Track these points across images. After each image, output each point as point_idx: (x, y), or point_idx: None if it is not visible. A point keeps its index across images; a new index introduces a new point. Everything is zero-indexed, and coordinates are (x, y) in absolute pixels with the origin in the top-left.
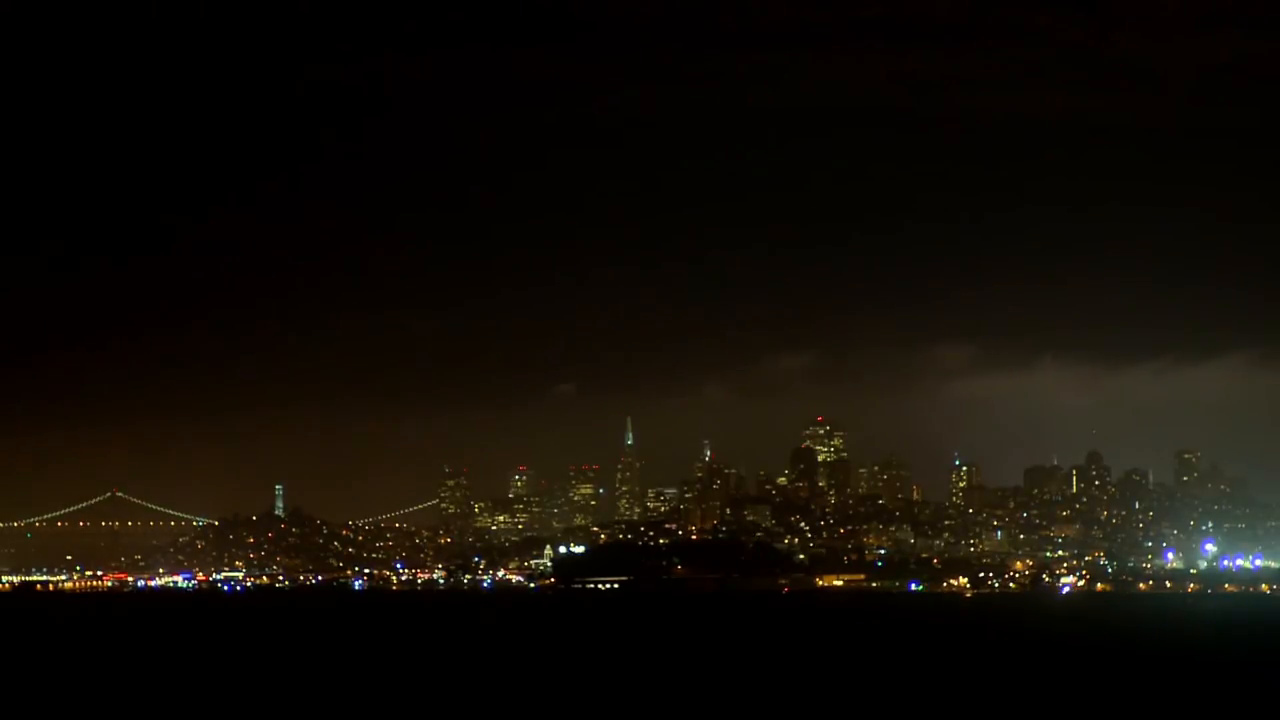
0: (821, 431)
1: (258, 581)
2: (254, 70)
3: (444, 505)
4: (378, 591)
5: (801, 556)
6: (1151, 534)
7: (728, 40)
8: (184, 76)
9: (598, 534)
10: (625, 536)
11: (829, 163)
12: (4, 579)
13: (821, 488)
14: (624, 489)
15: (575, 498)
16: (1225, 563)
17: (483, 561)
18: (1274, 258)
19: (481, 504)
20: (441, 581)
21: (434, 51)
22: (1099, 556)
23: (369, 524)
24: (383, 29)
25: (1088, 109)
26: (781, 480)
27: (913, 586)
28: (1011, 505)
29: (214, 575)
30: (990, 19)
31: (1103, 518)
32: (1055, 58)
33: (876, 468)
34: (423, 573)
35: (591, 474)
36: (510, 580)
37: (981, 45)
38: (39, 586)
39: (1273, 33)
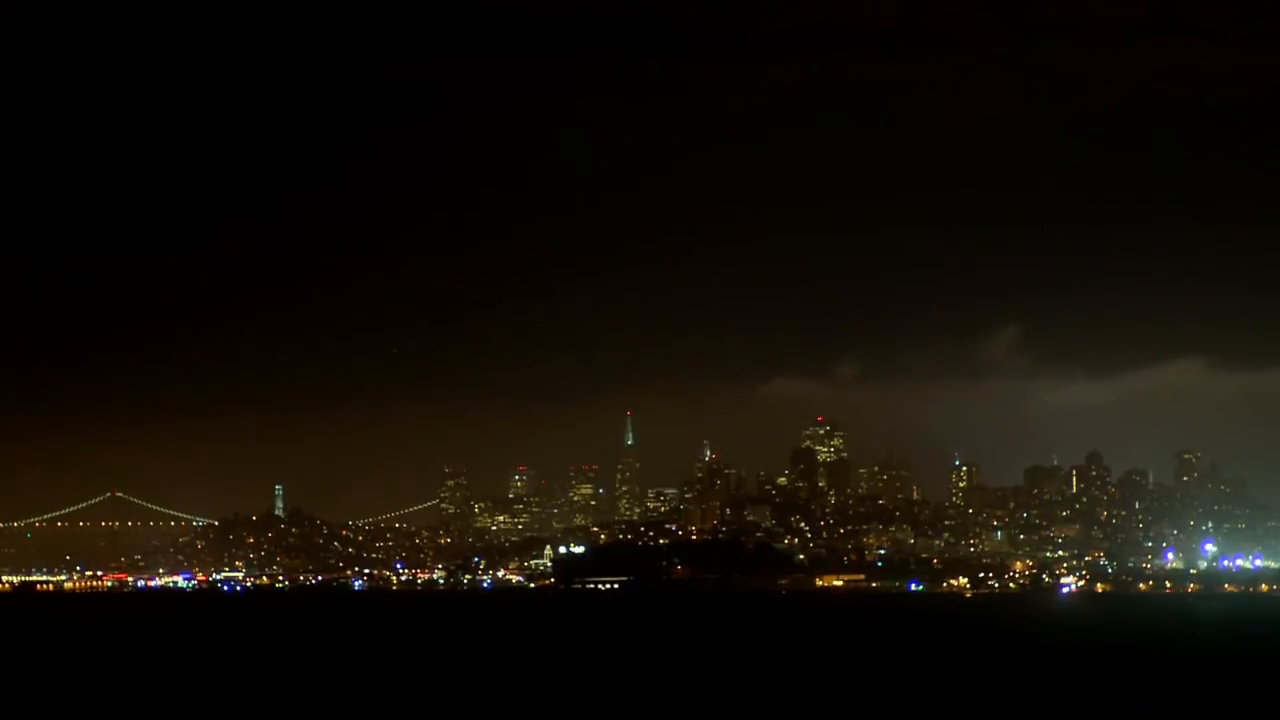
0: (821, 431)
1: (258, 582)
2: (257, 76)
3: (444, 505)
4: (378, 591)
5: (801, 557)
6: (1151, 534)
7: (667, 48)
8: (188, 82)
9: (598, 534)
10: (625, 536)
11: (819, 163)
12: (4, 579)
13: (821, 488)
14: (624, 489)
15: (575, 498)
16: (1225, 563)
17: (483, 561)
18: (1273, 259)
19: (481, 504)
20: (441, 582)
21: (427, 58)
22: (1099, 557)
23: (369, 524)
24: (380, 34)
25: (1030, 113)
26: (781, 480)
27: (913, 587)
28: (1011, 505)
29: (214, 575)
30: (918, 26)
31: (1103, 518)
32: (982, 64)
33: (876, 468)
34: (423, 573)
35: (591, 474)
36: (510, 580)
37: (913, 51)
38: (39, 586)
39: (1198, 39)
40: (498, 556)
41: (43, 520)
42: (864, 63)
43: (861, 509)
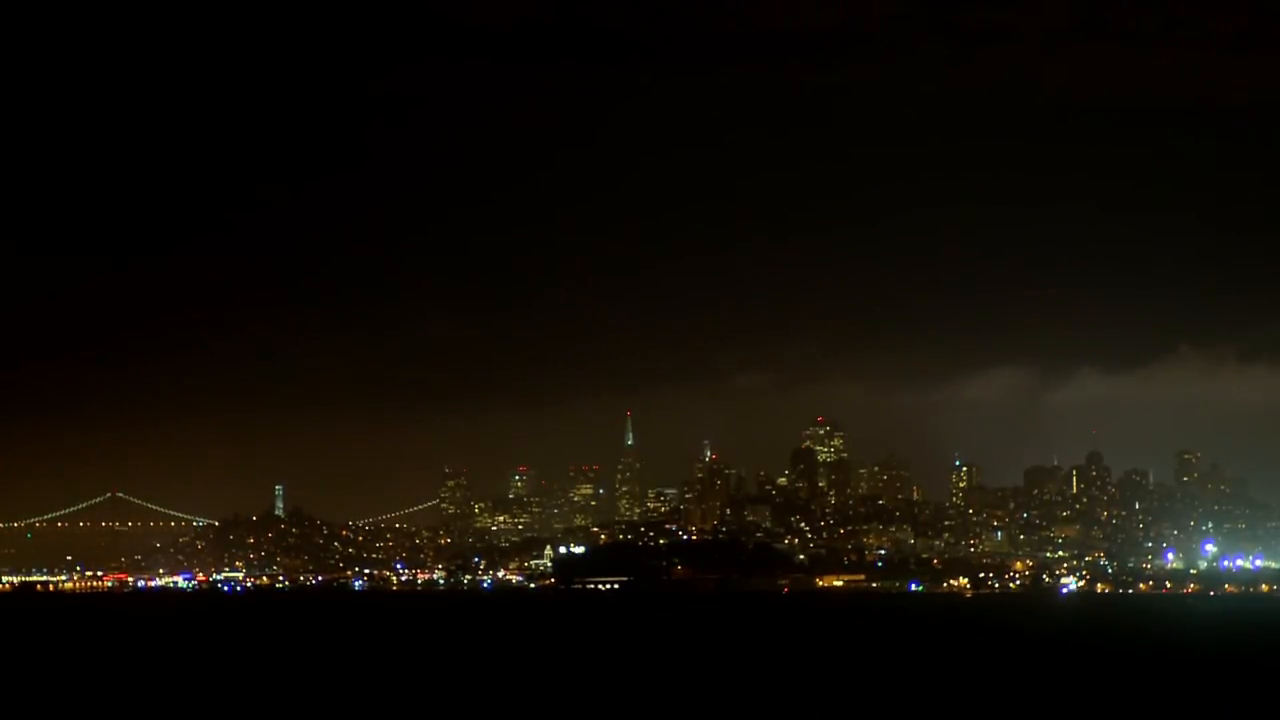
0: (821, 431)
1: (258, 582)
2: (259, 75)
3: (444, 505)
4: (378, 591)
5: (801, 557)
6: (1151, 534)
7: (608, 57)
8: (188, 82)
9: (598, 534)
10: (625, 537)
11: (818, 163)
12: (4, 579)
13: (821, 488)
14: (624, 489)
15: (575, 498)
16: (1225, 563)
17: (483, 562)
18: (1272, 260)
19: (481, 504)
20: (441, 582)
21: (424, 59)
22: (1099, 557)
23: (369, 524)
24: (362, 45)
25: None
26: (781, 480)
27: (913, 587)
28: (1011, 505)
29: (214, 575)
30: (853, 32)
31: (1103, 518)
32: (918, 68)
33: (876, 468)
34: (423, 573)
35: (591, 474)
36: (510, 580)
37: (850, 57)
38: (39, 586)
39: (1128, 44)
40: (498, 556)
41: (43, 520)
42: (804, 68)
43: (861, 509)
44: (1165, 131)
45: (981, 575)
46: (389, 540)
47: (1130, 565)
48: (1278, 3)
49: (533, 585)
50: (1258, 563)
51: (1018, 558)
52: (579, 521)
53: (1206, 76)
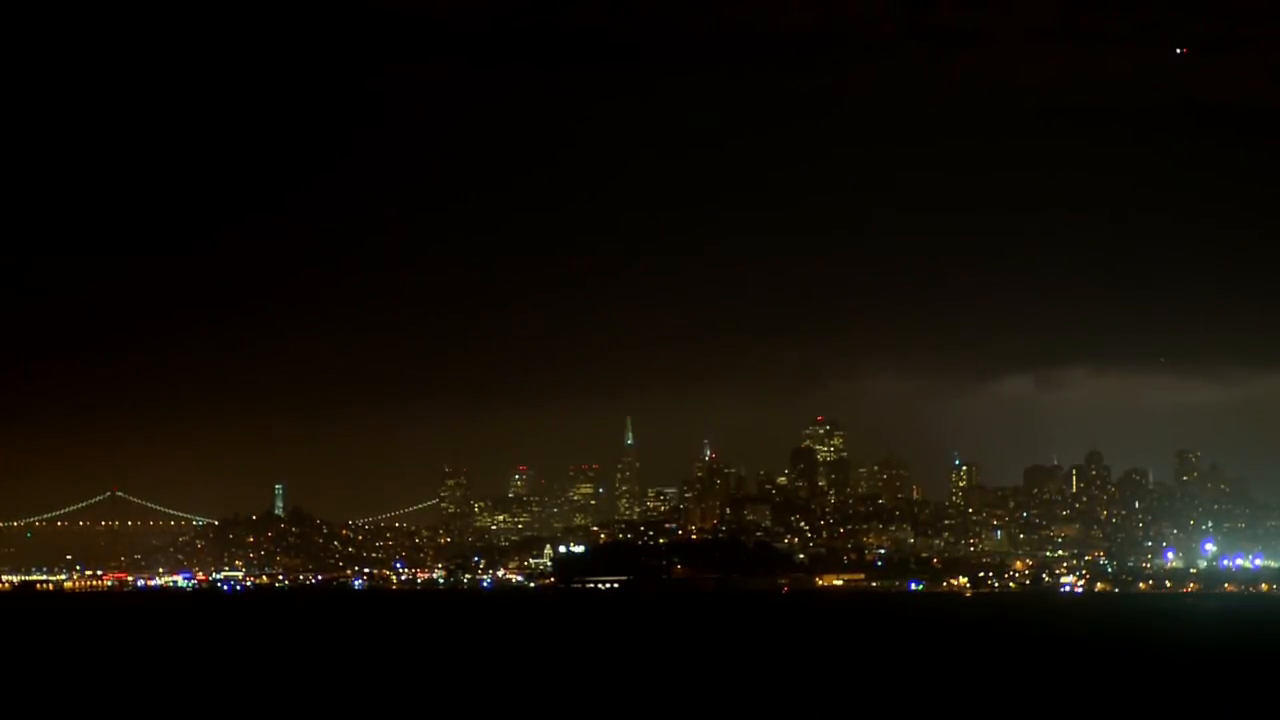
0: (821, 431)
1: (257, 581)
2: (257, 77)
3: (444, 505)
4: (378, 591)
5: (801, 556)
6: (1151, 534)
7: (586, 59)
8: (185, 82)
9: (598, 534)
10: (625, 536)
11: (811, 163)
12: (4, 579)
13: (821, 487)
14: (624, 489)
15: (575, 498)
16: (1225, 563)
17: (482, 561)
18: (1271, 262)
19: (481, 504)
20: (441, 581)
21: (420, 60)
22: (1099, 556)
23: (369, 524)
24: (362, 41)
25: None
26: (781, 480)
27: (913, 586)
28: (1011, 505)
29: (214, 575)
30: (831, 34)
31: (1103, 517)
32: (897, 70)
33: (876, 468)
34: (422, 572)
35: (591, 474)
36: (510, 580)
37: (829, 59)
38: (39, 586)
39: (1104, 45)
40: (498, 556)
41: (43, 520)
42: (782, 69)
43: (861, 509)
44: (1150, 131)
45: (981, 575)
46: (389, 540)
47: (1130, 565)
48: (1250, 6)
49: (533, 585)
50: (1258, 562)
51: (1018, 557)
52: (579, 521)
53: (1182, 78)
